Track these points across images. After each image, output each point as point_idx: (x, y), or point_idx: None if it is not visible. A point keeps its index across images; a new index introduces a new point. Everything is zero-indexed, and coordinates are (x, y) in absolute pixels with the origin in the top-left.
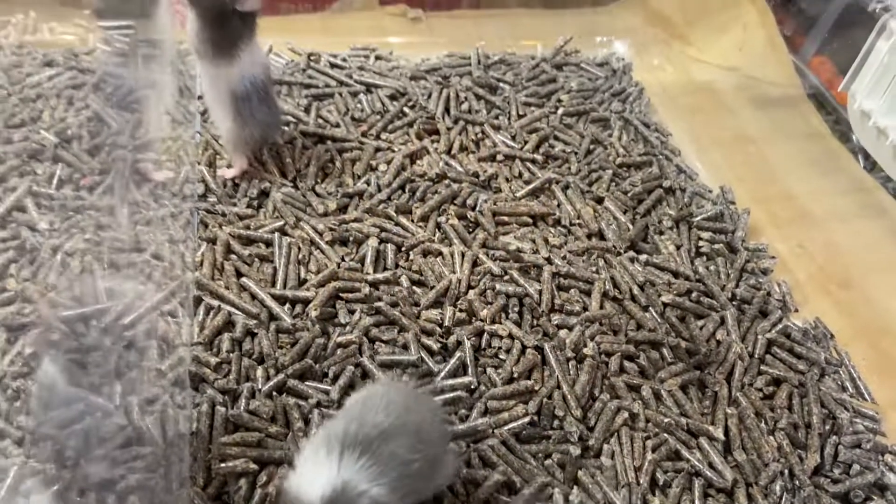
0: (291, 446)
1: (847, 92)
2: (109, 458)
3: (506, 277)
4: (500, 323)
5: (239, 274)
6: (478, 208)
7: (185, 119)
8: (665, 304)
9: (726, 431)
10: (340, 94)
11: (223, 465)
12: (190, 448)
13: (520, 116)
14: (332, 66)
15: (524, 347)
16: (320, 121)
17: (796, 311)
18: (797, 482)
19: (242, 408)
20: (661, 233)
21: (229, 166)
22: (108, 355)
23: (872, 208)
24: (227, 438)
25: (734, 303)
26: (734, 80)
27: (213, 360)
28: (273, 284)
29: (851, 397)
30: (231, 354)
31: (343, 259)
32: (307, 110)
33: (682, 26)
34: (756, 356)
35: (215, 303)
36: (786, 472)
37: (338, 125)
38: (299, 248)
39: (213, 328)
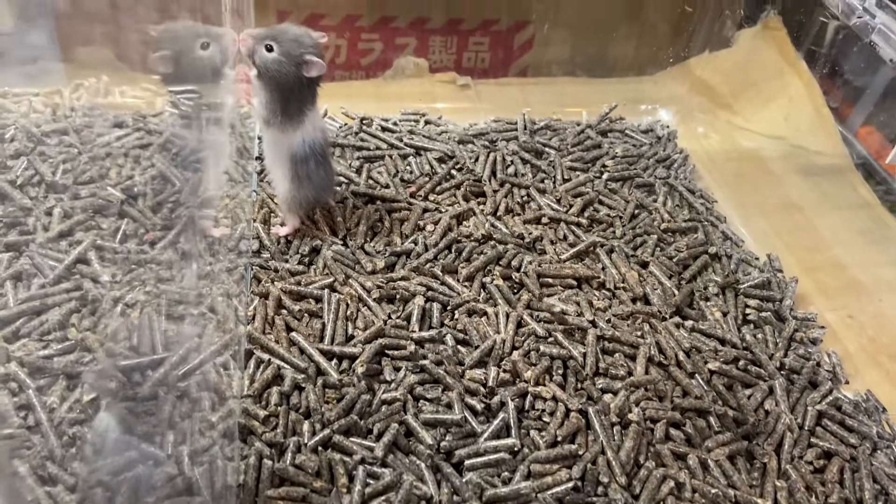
0: (335, 502)
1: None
2: None
3: (550, 339)
4: (545, 385)
5: (289, 328)
6: (523, 269)
7: (243, 178)
8: (712, 372)
9: None
10: (391, 157)
11: None
12: (237, 500)
13: (565, 180)
14: (384, 129)
15: (568, 410)
16: (371, 181)
17: (847, 382)
18: None
19: (288, 461)
20: (707, 299)
21: (283, 224)
22: (162, 405)
23: None
24: (273, 492)
25: (783, 372)
26: (780, 149)
27: (262, 413)
28: (321, 340)
29: None
30: (279, 408)
31: (390, 316)
32: (359, 171)
33: (727, 96)
34: (806, 428)
35: (265, 356)
36: None
37: (387, 186)
38: (348, 305)
39: (262, 381)
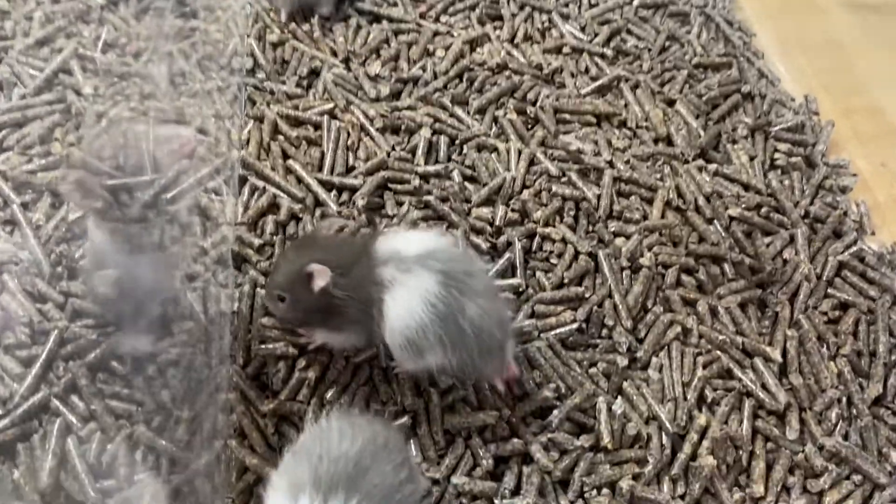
0: None
1: None
2: (151, 331)
3: (563, 179)
4: (554, 226)
5: (285, 156)
6: (539, 104)
7: None
8: (731, 218)
9: (784, 353)
10: None
11: (263, 346)
12: (231, 327)
13: (591, 6)
14: None
15: (577, 253)
16: None
17: (873, 233)
18: (855, 411)
19: None
20: (735, 142)
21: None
22: (152, 228)
23: None
24: (268, 321)
25: (806, 221)
26: None
27: (257, 242)
28: (320, 169)
29: None
30: (274, 237)
31: (393, 148)
32: None
33: None
34: (824, 278)
35: (260, 184)
36: (844, 399)
37: (395, 4)
38: (349, 134)
39: (257, 209)
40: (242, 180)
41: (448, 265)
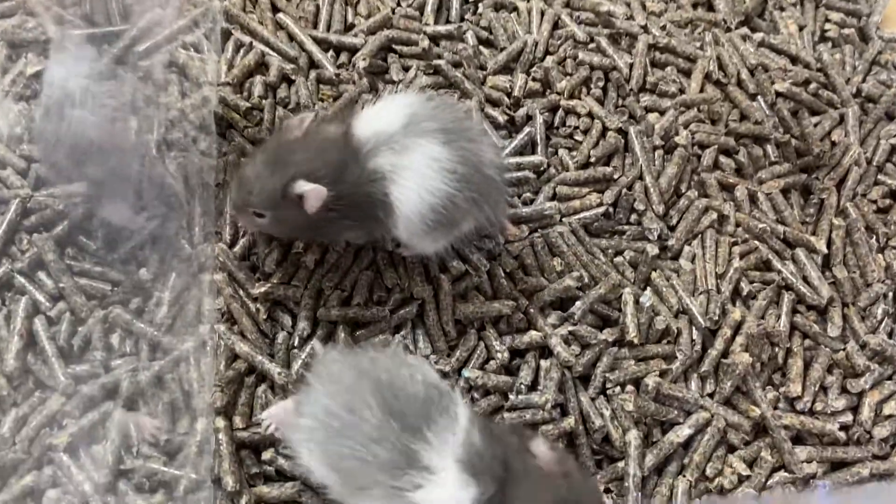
0: None
1: None
2: (126, 202)
3: (591, 45)
4: (580, 98)
5: (275, 8)
6: None
7: None
8: (777, 94)
9: (829, 244)
10: None
11: None
12: (215, 202)
13: None
14: None
15: (605, 129)
16: None
17: None
18: None
19: None
20: (783, 8)
21: None
22: (121, 86)
23: None
24: None
25: (858, 99)
26: None
27: (244, 105)
28: (315, 25)
29: None
30: (263, 101)
31: (399, 3)
32: None
33: None
34: (875, 163)
35: (247, 39)
36: (891, 294)
37: None
38: None
39: (243, 68)
40: (226, 35)
41: (441, 122)
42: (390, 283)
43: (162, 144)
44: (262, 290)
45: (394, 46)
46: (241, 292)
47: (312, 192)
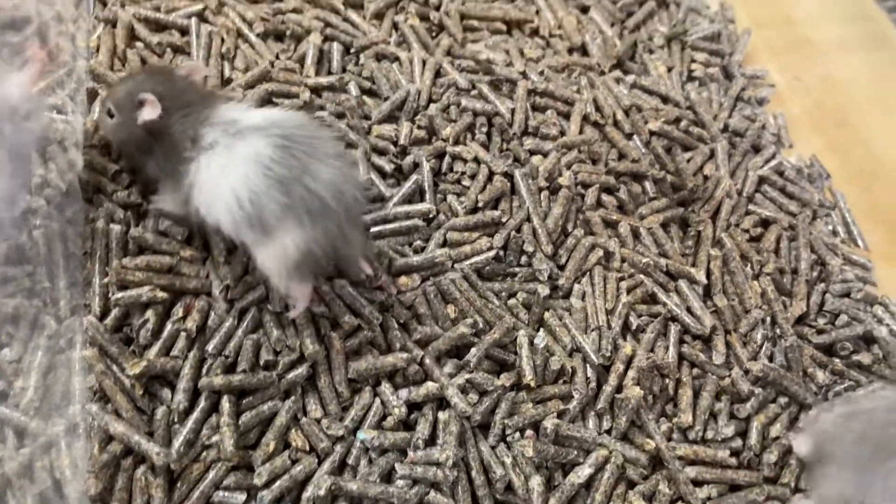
0: (211, 273)
1: None
2: None
3: (473, 92)
4: (465, 144)
5: (144, 63)
6: (443, 8)
7: None
8: (651, 133)
9: (708, 274)
10: None
11: (125, 293)
12: (82, 271)
13: None
14: None
15: (491, 173)
16: None
17: (791, 146)
18: (779, 331)
19: (150, 227)
20: (651, 51)
21: None
22: None
23: (875, 39)
24: (130, 262)
25: (726, 134)
26: None
27: (112, 168)
28: None
29: (843, 243)
30: None
31: (278, 57)
32: None
33: None
34: (745, 194)
35: None
36: (768, 319)
37: None
38: (223, 40)
39: None
40: (92, 95)
41: (290, 130)
42: (278, 346)
43: (24, 213)
44: (138, 370)
45: (274, 99)
46: (114, 367)
47: (150, 102)
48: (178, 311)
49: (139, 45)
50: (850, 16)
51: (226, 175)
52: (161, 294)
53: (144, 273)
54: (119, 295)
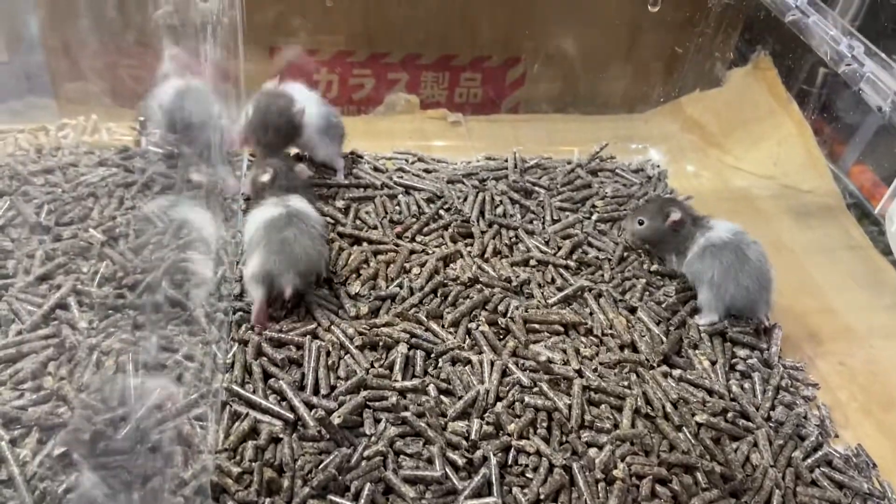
0: None
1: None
2: None
3: (535, 390)
4: (528, 438)
5: (267, 376)
6: (509, 314)
7: (227, 217)
8: (699, 424)
9: None
10: (380, 197)
11: None
12: None
13: (554, 221)
14: (375, 168)
15: (552, 466)
16: (358, 222)
17: (836, 436)
18: None
19: None
20: (696, 346)
21: None
22: (134, 459)
23: None
24: None
25: (770, 423)
26: (771, 189)
27: (236, 470)
28: (301, 388)
29: None
30: (253, 464)
31: (372, 365)
32: (345, 211)
33: (717, 135)
34: (793, 485)
35: (243, 409)
36: None
37: (375, 227)
38: (329, 353)
39: (238, 434)
40: (225, 404)
41: None
42: None
43: None
44: None
45: (368, 403)
46: None
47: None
48: None
49: (264, 358)
50: (892, 304)
51: None
52: None
53: None
54: None
